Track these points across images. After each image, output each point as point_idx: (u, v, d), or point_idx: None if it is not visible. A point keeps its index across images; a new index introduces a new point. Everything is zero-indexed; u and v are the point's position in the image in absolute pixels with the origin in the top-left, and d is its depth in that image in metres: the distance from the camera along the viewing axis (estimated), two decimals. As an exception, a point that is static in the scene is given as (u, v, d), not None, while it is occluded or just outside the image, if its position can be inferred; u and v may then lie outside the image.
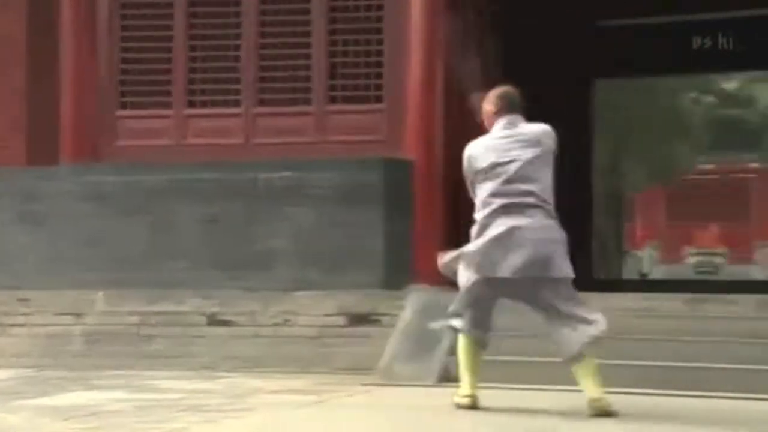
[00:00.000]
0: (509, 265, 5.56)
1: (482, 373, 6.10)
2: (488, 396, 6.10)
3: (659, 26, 15.12)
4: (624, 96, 23.77)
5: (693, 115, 29.76)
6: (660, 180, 31.32)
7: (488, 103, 5.77)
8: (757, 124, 34.70)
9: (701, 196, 38.78)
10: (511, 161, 5.57)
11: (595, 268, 18.43)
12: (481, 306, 5.83)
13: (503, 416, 5.86)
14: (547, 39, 13.30)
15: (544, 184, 5.63)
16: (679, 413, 6.01)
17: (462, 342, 5.99)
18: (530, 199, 5.58)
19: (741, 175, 38.21)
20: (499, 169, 5.58)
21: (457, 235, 9.32)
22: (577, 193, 15.54)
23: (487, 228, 5.62)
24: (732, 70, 26.05)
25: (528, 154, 5.59)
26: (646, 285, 19.67)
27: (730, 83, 32.37)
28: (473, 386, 5.98)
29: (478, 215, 5.71)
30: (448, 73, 9.26)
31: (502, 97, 5.72)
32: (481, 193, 5.65)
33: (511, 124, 5.68)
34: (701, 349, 7.35)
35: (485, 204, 5.65)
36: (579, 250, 15.31)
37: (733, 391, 6.74)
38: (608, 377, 7.04)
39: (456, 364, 6.23)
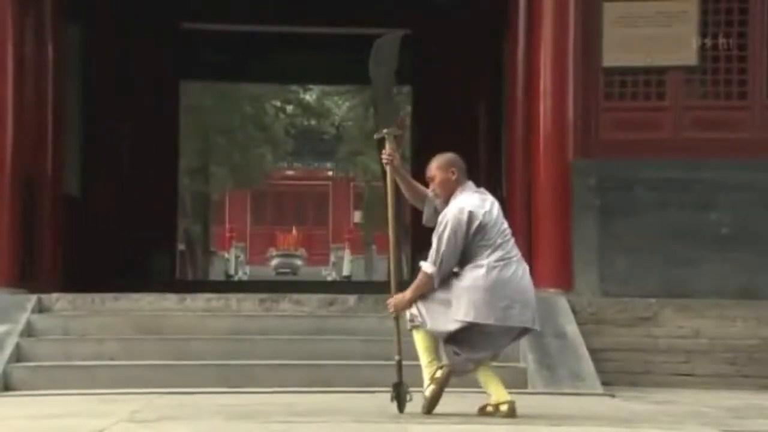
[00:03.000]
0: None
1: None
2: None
3: (243, 34, 15.44)
4: (211, 99, 24.04)
5: (276, 123, 30.76)
6: (246, 184, 32.03)
7: (442, 171, 5.81)
8: (332, 135, 36.74)
9: (285, 200, 40.23)
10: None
11: (180, 269, 18.39)
12: None
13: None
14: (132, 36, 13.09)
15: None
16: (251, 409, 6.10)
17: None
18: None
19: (319, 183, 40.24)
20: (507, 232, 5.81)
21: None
22: (162, 193, 15.46)
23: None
24: (310, 83, 27.35)
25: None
26: (230, 286, 19.95)
27: (310, 95, 33.94)
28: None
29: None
30: (19, 61, 8.80)
31: (458, 165, 5.83)
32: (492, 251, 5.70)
33: (478, 191, 5.85)
34: (276, 347, 7.60)
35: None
36: (162, 250, 15.43)
37: (303, 386, 7.02)
38: (178, 377, 7.10)
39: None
